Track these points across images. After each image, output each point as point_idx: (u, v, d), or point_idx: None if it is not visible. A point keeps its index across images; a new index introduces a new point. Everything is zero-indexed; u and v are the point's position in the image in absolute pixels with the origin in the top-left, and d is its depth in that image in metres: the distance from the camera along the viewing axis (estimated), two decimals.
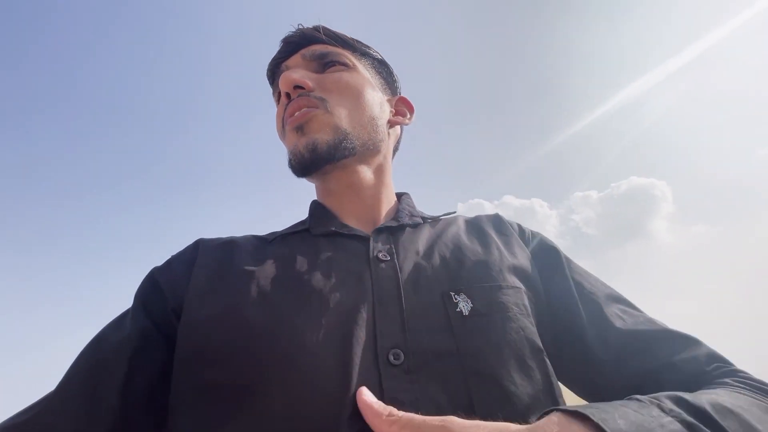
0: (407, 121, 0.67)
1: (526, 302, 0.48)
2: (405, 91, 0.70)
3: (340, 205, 0.58)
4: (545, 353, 0.44)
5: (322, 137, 0.52)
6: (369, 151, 0.57)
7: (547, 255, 0.56)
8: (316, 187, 0.62)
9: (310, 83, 0.55)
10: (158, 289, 0.48)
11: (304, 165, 0.53)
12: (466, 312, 0.43)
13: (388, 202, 0.61)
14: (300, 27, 0.61)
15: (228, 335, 0.41)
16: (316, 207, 0.60)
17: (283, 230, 0.58)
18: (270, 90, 0.66)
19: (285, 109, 0.56)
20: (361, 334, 0.40)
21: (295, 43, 0.60)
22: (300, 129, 0.53)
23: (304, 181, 0.60)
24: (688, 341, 0.46)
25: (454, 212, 0.62)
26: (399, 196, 0.65)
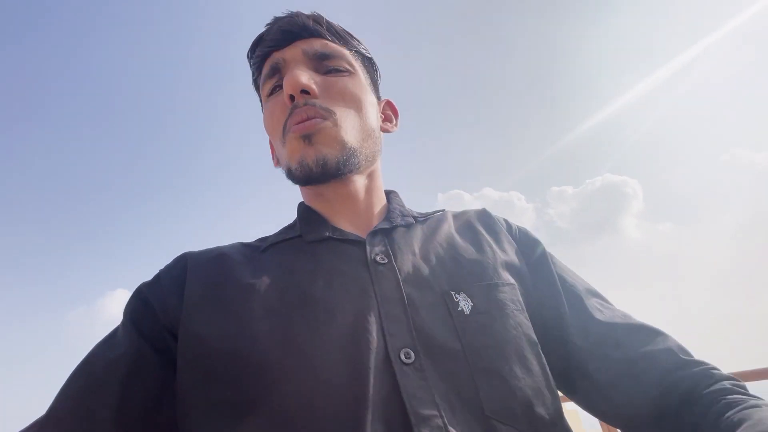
0: (394, 128, 0.66)
1: (520, 297, 0.50)
2: (386, 83, 0.68)
3: (331, 210, 0.57)
4: (539, 346, 0.46)
5: (332, 153, 0.50)
6: (368, 162, 0.57)
7: (532, 249, 0.59)
8: (305, 190, 0.60)
9: (316, 90, 0.52)
10: (149, 306, 0.47)
11: (310, 178, 0.51)
12: (467, 311, 0.45)
13: (379, 203, 0.60)
14: (297, 14, 0.56)
15: (236, 352, 0.40)
16: (305, 211, 0.58)
17: (272, 236, 0.56)
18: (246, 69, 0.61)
19: (290, 113, 0.52)
20: (370, 338, 0.40)
21: (293, 33, 0.55)
22: (307, 138, 0.50)
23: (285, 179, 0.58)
24: (658, 334, 0.50)
25: (443, 210, 0.63)
26: (387, 194, 0.64)
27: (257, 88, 0.63)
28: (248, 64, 0.62)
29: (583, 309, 0.53)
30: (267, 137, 0.63)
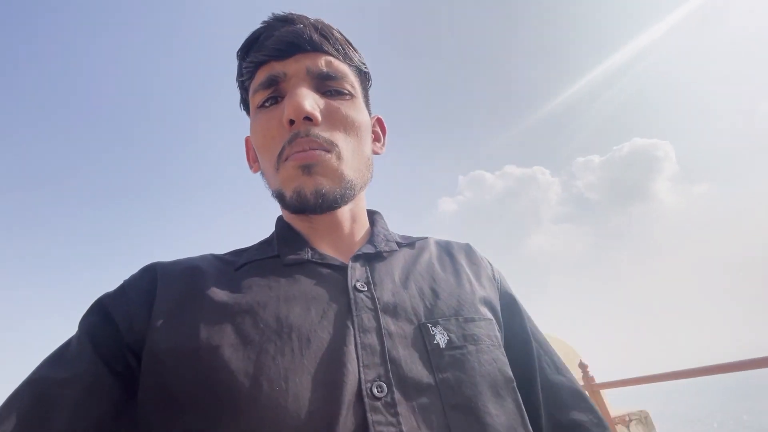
0: (381, 149, 0.65)
1: (497, 333, 0.51)
2: (397, 78, 0.64)
3: (313, 231, 0.56)
4: (515, 382, 0.47)
5: (330, 186, 0.50)
6: (360, 190, 0.56)
7: (510, 298, 0.60)
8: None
9: (320, 118, 0.51)
10: (110, 322, 0.43)
11: (305, 208, 0.50)
12: (442, 344, 0.45)
13: (362, 227, 0.60)
14: (301, 23, 0.53)
15: (204, 380, 0.38)
16: (284, 229, 0.57)
17: (247, 252, 0.54)
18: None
19: (289, 140, 0.50)
20: (344, 370, 0.40)
21: (296, 46, 0.52)
22: (307, 169, 0.49)
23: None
24: (584, 400, 0.54)
25: (426, 237, 0.63)
26: (370, 215, 0.63)
27: (244, 90, 0.60)
28: (237, 62, 0.58)
29: (544, 365, 0.56)
30: (235, 136, 0.61)
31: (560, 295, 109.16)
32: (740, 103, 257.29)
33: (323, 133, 0.50)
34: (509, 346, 0.53)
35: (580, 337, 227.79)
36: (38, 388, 0.39)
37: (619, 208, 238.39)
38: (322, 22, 0.55)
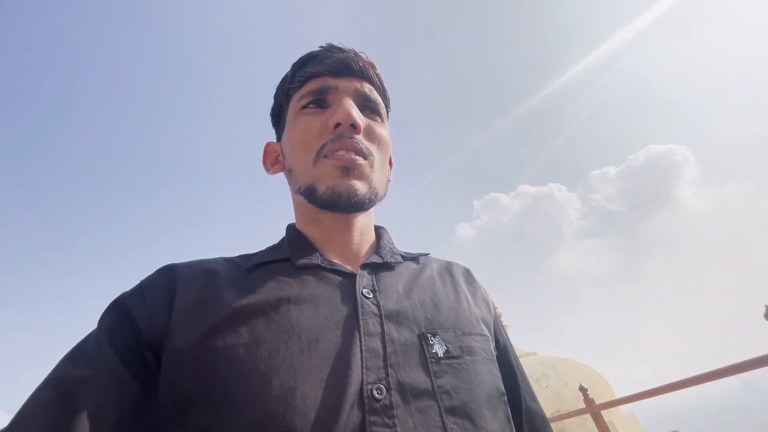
0: (391, 177, 0.69)
1: (492, 349, 0.55)
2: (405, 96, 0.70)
3: (324, 238, 0.59)
4: (506, 397, 0.50)
5: (363, 190, 0.55)
6: (378, 201, 0.61)
7: (499, 325, 0.64)
8: (303, 212, 0.61)
9: (363, 128, 0.58)
10: (129, 319, 0.45)
11: (336, 204, 0.55)
12: (440, 354, 0.48)
13: (369, 239, 0.63)
14: (358, 53, 0.62)
15: (221, 380, 0.41)
16: (295, 235, 0.60)
17: (258, 255, 0.56)
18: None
19: (333, 138, 0.55)
20: (350, 372, 0.42)
21: (352, 69, 0.60)
22: (346, 171, 0.55)
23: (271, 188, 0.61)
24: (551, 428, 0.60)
25: (428, 253, 0.67)
26: (376, 229, 0.67)
27: (285, 97, 0.65)
28: (290, 71, 0.64)
29: (524, 393, 0.60)
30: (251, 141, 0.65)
31: (592, 311, 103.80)
32: (756, 98, 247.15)
33: (364, 142, 0.57)
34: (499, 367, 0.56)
35: (614, 353, 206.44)
36: (61, 386, 0.41)
37: (643, 217, 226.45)
38: (369, 58, 0.63)
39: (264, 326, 0.44)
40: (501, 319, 0.68)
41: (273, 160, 0.67)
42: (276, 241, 0.62)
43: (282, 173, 0.65)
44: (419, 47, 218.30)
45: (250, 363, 0.41)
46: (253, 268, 0.52)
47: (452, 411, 0.43)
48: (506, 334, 0.66)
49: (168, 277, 0.50)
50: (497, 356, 0.58)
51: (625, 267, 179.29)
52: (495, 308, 0.67)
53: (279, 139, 0.67)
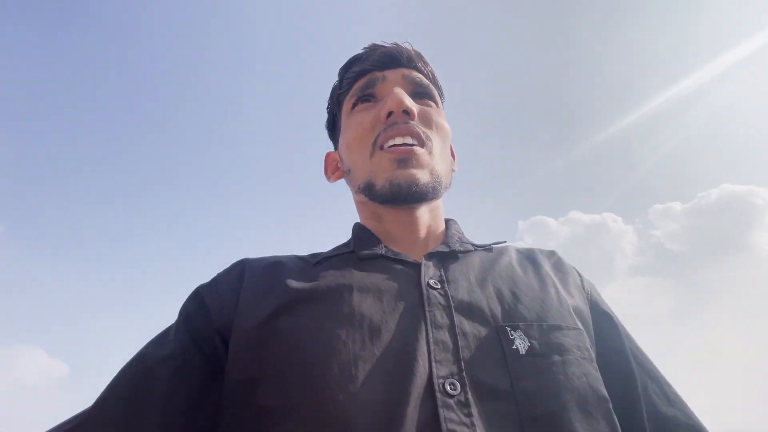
0: (455, 167, 0.66)
1: (588, 345, 0.45)
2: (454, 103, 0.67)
3: (387, 233, 0.57)
4: (611, 404, 0.41)
5: (424, 177, 0.52)
6: (444, 191, 0.57)
7: (603, 313, 0.54)
8: (365, 211, 0.61)
9: (416, 114, 0.55)
10: (204, 307, 0.49)
11: (397, 197, 0.52)
12: (522, 350, 0.41)
13: (436, 229, 0.60)
14: (401, 44, 0.60)
15: (283, 361, 0.41)
16: (360, 230, 0.59)
17: (326, 252, 0.57)
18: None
19: (386, 127, 0.54)
20: (414, 363, 0.39)
21: (396, 59, 0.59)
22: (402, 162, 0.52)
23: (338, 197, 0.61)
24: None
25: (504, 242, 0.60)
26: (446, 221, 0.63)
27: (337, 104, 0.65)
28: (338, 77, 0.64)
29: (651, 394, 0.49)
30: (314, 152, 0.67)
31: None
32: None
33: (420, 127, 0.54)
34: (604, 366, 0.46)
35: None
36: (144, 364, 0.45)
37: (708, 261, 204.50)
38: (415, 49, 0.61)
39: (325, 311, 0.44)
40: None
41: (333, 168, 0.66)
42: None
43: (343, 180, 0.64)
44: (495, 61, 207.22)
45: (312, 346, 0.40)
46: (319, 262, 0.53)
47: (536, 420, 0.37)
48: (620, 322, 0.54)
49: (239, 269, 0.53)
50: (603, 348, 0.49)
51: (680, 311, 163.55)
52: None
53: (336, 147, 0.67)
